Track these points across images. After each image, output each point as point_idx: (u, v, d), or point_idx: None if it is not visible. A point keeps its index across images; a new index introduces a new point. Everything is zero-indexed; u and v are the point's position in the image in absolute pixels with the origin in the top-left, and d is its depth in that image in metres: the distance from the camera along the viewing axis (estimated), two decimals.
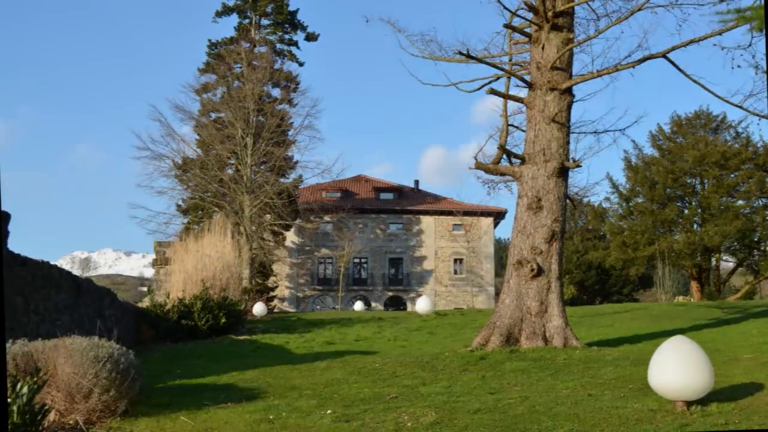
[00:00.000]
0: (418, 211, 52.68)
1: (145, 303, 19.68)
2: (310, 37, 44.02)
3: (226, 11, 42.89)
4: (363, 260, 52.15)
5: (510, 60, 14.56)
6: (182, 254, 21.74)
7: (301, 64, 43.54)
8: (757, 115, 11.88)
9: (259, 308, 24.31)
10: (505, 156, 13.15)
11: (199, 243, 22.44)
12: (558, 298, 11.91)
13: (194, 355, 13.57)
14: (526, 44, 13.79)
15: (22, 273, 9.14)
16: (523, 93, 13.35)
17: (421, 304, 22.80)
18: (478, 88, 13.67)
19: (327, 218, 46.78)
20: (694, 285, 43.90)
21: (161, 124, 37.95)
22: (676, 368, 6.24)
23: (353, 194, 53.99)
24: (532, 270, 11.80)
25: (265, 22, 43.49)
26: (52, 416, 6.24)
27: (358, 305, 33.86)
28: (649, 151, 45.96)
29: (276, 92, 42.31)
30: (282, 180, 39.64)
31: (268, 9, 42.66)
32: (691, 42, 11.32)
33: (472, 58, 12.98)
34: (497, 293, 41.06)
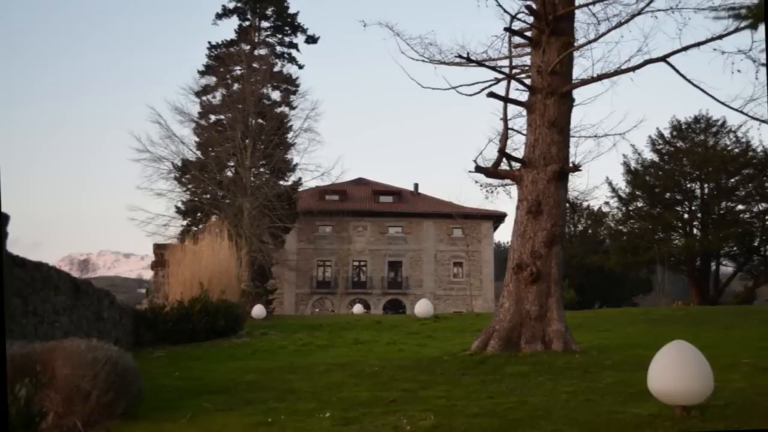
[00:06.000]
0: (418, 214, 52.67)
1: (144, 305, 19.64)
2: (310, 40, 44.03)
3: (226, 13, 42.86)
4: (362, 263, 52.14)
5: (510, 64, 14.54)
6: (181, 256, 21.68)
7: (300, 67, 43.55)
8: (757, 119, 11.85)
9: (258, 311, 24.28)
10: (504, 160, 13.14)
11: (198, 245, 22.41)
12: (558, 302, 11.89)
13: (193, 358, 13.55)
14: (526, 48, 13.78)
15: (21, 274, 9.12)
16: (523, 97, 13.34)
17: (420, 308, 22.74)
18: (478, 92, 13.66)
19: (326, 221, 46.75)
20: (693, 289, 43.91)
21: (160, 126, 37.93)
22: (676, 373, 6.22)
23: (353, 197, 53.98)
24: (532, 274, 11.79)
25: (265, 24, 43.48)
26: (50, 418, 6.23)
27: (357, 308, 33.90)
28: (649, 155, 46.06)
29: (276, 95, 42.31)
30: (281, 182, 39.60)
31: (269, 11, 42.67)
32: (692, 46, 11.32)
33: (472, 61, 12.99)
34: (496, 297, 41.02)
